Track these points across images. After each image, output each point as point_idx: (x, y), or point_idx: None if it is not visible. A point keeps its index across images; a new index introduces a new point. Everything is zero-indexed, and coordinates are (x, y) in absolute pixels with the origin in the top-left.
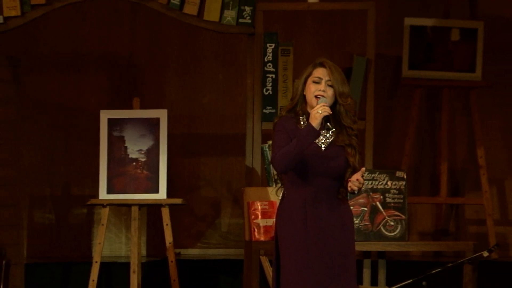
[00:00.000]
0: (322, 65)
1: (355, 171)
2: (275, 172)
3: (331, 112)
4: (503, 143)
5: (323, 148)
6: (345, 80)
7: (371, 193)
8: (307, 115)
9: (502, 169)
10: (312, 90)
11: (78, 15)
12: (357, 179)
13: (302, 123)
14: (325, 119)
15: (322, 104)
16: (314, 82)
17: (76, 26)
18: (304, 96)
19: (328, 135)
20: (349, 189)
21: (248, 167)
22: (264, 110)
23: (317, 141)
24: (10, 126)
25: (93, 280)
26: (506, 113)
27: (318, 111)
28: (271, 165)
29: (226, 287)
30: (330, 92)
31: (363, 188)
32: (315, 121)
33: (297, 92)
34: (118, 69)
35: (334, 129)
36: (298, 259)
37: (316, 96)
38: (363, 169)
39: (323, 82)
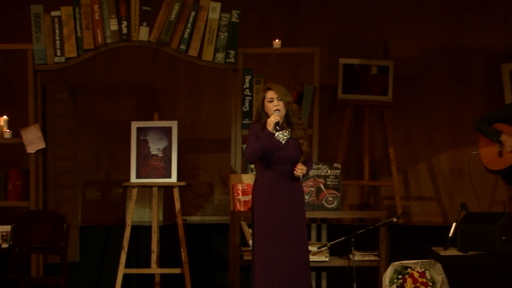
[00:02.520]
0: (270, 88)
1: (306, 155)
2: (251, 166)
3: (280, 119)
4: (406, 144)
5: (283, 143)
6: (288, 93)
7: (316, 178)
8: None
9: (405, 162)
10: (270, 107)
11: (116, 56)
12: (299, 167)
13: (268, 127)
14: (283, 122)
15: (275, 114)
16: (269, 101)
17: (114, 64)
18: (265, 112)
19: (286, 133)
20: (294, 173)
21: (232, 160)
22: (244, 122)
23: (279, 139)
24: (70, 133)
25: (126, 238)
26: (408, 124)
27: (271, 119)
28: None
29: (217, 242)
30: (281, 104)
31: (310, 175)
32: (270, 126)
33: (259, 110)
34: (143, 93)
35: (289, 129)
36: (266, 220)
37: (275, 111)
38: (299, 165)
39: (275, 99)
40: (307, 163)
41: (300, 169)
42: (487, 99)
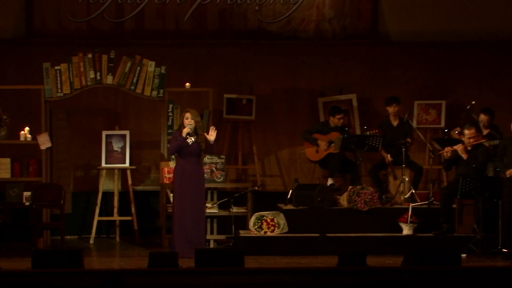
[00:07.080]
0: (187, 111)
1: (204, 150)
2: (173, 156)
3: (190, 130)
4: (263, 144)
5: (190, 144)
6: (198, 114)
7: (211, 164)
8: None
9: (263, 154)
10: (185, 122)
11: (93, 93)
12: (212, 132)
13: (183, 135)
14: (190, 133)
15: (187, 127)
16: (186, 118)
17: (93, 97)
18: (183, 125)
19: (192, 139)
20: (211, 138)
21: (162, 154)
22: (168, 131)
23: (188, 141)
24: (66, 137)
25: (99, 199)
26: (264, 132)
27: (184, 130)
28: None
29: (153, 202)
30: (193, 121)
31: (207, 162)
32: (183, 134)
33: (180, 124)
34: (110, 114)
35: (195, 136)
36: (180, 191)
37: (187, 125)
38: (213, 127)
39: (189, 118)
40: (211, 148)
41: (212, 131)
42: (310, 118)
